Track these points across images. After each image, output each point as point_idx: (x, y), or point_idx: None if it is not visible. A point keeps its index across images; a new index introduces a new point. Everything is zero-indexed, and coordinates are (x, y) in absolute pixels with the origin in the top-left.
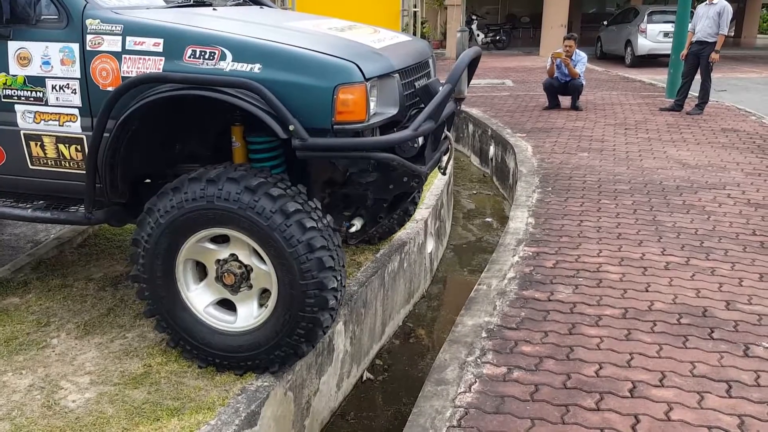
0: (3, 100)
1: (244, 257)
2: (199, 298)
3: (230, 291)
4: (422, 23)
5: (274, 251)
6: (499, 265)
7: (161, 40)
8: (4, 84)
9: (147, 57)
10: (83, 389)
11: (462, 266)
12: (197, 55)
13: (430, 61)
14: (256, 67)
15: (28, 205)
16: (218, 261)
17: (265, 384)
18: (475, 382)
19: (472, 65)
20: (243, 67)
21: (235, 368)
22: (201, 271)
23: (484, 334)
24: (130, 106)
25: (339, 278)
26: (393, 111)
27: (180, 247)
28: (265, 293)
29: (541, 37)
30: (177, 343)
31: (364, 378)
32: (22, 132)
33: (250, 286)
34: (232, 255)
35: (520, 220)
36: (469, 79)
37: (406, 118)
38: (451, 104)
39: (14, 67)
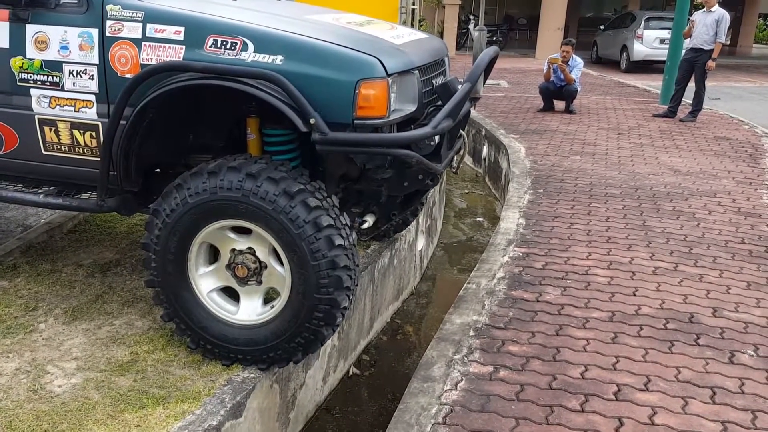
0: (18, 83)
1: (262, 254)
2: (205, 281)
3: (238, 282)
4: (420, 21)
5: (296, 259)
6: (488, 264)
7: (182, 29)
8: (21, 68)
9: (167, 45)
10: (69, 375)
11: (452, 265)
12: (219, 45)
13: (446, 59)
14: (278, 59)
15: (39, 191)
16: (234, 250)
17: (252, 376)
18: (462, 380)
19: (489, 65)
20: (265, 58)
21: (224, 358)
22: (212, 255)
23: (471, 333)
24: (148, 94)
25: (351, 297)
26: (411, 108)
27: (201, 229)
28: (271, 289)
29: (538, 39)
30: (171, 319)
31: (351, 373)
32: (36, 117)
33: (260, 282)
34: (250, 248)
35: (511, 220)
36: (485, 78)
37: (423, 115)
38: (467, 103)
39: (31, 51)
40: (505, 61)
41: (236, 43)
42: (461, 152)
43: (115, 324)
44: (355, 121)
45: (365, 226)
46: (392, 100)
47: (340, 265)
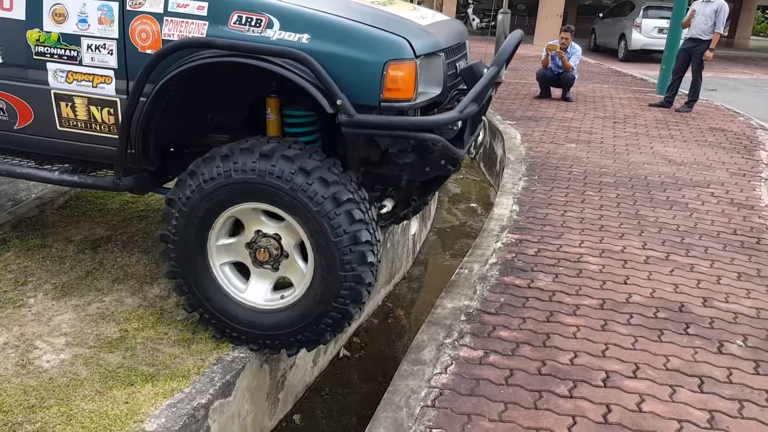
0: (35, 57)
1: (287, 245)
2: (222, 252)
3: (253, 261)
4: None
5: (325, 263)
6: (481, 250)
7: (206, 4)
8: (37, 41)
9: (190, 20)
10: (58, 350)
11: (444, 250)
12: (243, 22)
13: (467, 42)
14: (305, 38)
15: (53, 168)
16: (259, 231)
17: (242, 355)
18: (452, 363)
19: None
20: (291, 36)
21: (219, 332)
22: (233, 228)
23: (463, 318)
24: (170, 71)
25: (360, 311)
26: (436, 91)
27: (235, 204)
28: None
29: (536, 25)
30: (175, 276)
31: (341, 355)
32: (52, 91)
33: (276, 269)
34: (277, 235)
35: (504, 206)
36: (508, 62)
37: (447, 99)
38: None
39: (49, 24)
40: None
41: (261, 20)
42: (483, 137)
43: (105, 300)
44: (382, 104)
45: (384, 210)
46: (419, 82)
47: (365, 282)
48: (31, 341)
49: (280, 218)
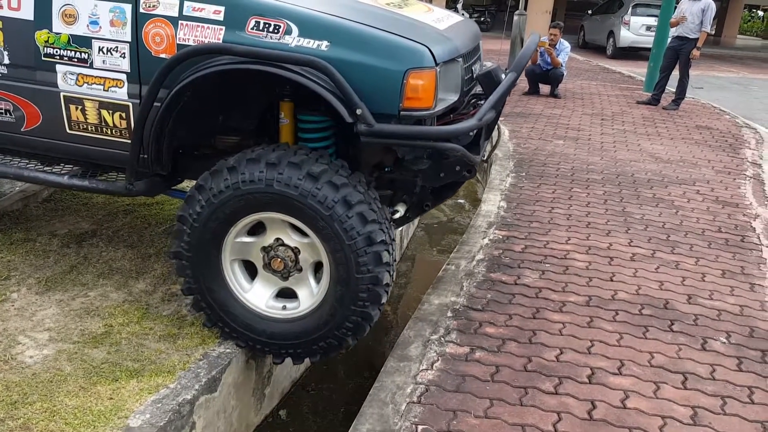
0: (44, 59)
1: (304, 261)
2: (235, 248)
3: (263, 265)
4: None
5: (340, 293)
6: (468, 246)
7: (222, 8)
8: (46, 42)
9: (206, 25)
10: (41, 345)
11: (431, 246)
12: (261, 27)
13: (480, 44)
14: (324, 45)
15: (63, 172)
16: (279, 239)
17: (227, 351)
18: (438, 360)
19: None
20: (309, 43)
21: (210, 322)
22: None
23: (449, 314)
24: (185, 76)
25: (357, 341)
26: (454, 98)
27: (267, 212)
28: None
29: (525, 22)
30: (178, 258)
31: None
32: (62, 94)
33: (285, 278)
34: (296, 249)
35: (492, 203)
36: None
37: (463, 105)
38: None
39: (58, 25)
40: (492, 42)
41: (279, 26)
42: (496, 142)
43: (90, 295)
44: (401, 113)
45: (397, 216)
46: (439, 90)
47: (372, 318)
48: (13, 336)
49: (304, 233)
